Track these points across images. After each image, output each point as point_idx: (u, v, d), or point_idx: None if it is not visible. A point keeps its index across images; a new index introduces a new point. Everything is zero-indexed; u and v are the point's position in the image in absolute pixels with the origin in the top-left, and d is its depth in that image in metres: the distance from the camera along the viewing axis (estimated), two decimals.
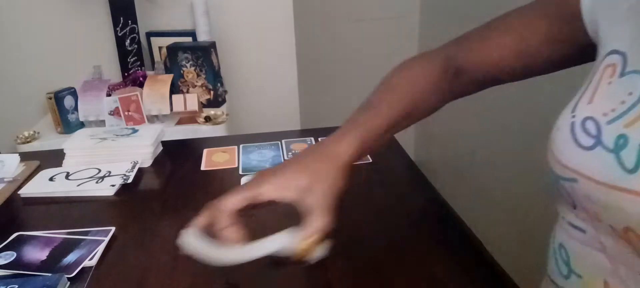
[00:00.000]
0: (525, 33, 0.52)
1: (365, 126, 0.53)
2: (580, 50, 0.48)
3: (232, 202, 0.48)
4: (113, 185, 0.84)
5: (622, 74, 0.39)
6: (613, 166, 0.36)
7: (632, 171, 0.35)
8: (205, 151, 0.99)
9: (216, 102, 1.44)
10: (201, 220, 0.50)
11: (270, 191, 0.49)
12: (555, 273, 0.46)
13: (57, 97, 1.27)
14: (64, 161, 0.94)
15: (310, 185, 0.48)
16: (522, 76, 0.55)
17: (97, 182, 0.85)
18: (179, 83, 1.40)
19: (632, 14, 0.41)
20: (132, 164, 0.91)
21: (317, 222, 0.46)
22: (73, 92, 1.31)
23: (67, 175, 0.89)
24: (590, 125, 0.39)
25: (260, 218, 0.51)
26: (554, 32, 0.49)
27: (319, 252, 0.48)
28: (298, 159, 0.52)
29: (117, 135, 1.01)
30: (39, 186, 0.86)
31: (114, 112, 1.28)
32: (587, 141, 0.38)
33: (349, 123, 0.54)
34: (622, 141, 0.36)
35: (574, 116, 0.41)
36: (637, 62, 0.39)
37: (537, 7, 0.52)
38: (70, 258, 0.64)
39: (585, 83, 0.43)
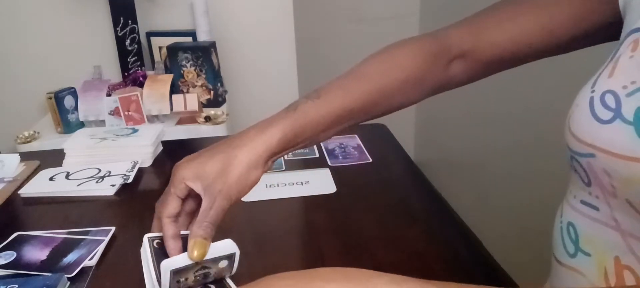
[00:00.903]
0: (552, 10, 0.51)
1: (303, 117, 0.49)
2: (605, 29, 0.48)
3: (167, 208, 0.48)
4: (113, 185, 0.84)
5: None
6: (632, 138, 0.36)
7: None
8: None
9: (216, 102, 1.44)
10: (155, 227, 0.50)
11: (186, 177, 0.48)
12: (561, 252, 0.46)
13: (57, 97, 1.27)
14: (64, 161, 0.94)
15: (213, 180, 0.46)
16: (542, 55, 0.54)
17: (97, 182, 0.85)
18: (179, 83, 1.40)
19: None
20: (132, 164, 0.91)
21: (197, 227, 0.44)
22: (73, 92, 1.31)
23: (67, 175, 0.89)
24: (609, 99, 0.38)
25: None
26: (585, 9, 0.49)
27: (226, 251, 0.45)
28: (214, 147, 0.50)
29: (117, 135, 1.01)
30: (39, 186, 0.86)
31: (114, 112, 1.28)
32: (606, 115, 0.38)
33: (285, 110, 0.50)
34: None
35: (593, 91, 0.40)
36: None
37: None
38: (70, 258, 0.64)
39: (606, 60, 0.43)
